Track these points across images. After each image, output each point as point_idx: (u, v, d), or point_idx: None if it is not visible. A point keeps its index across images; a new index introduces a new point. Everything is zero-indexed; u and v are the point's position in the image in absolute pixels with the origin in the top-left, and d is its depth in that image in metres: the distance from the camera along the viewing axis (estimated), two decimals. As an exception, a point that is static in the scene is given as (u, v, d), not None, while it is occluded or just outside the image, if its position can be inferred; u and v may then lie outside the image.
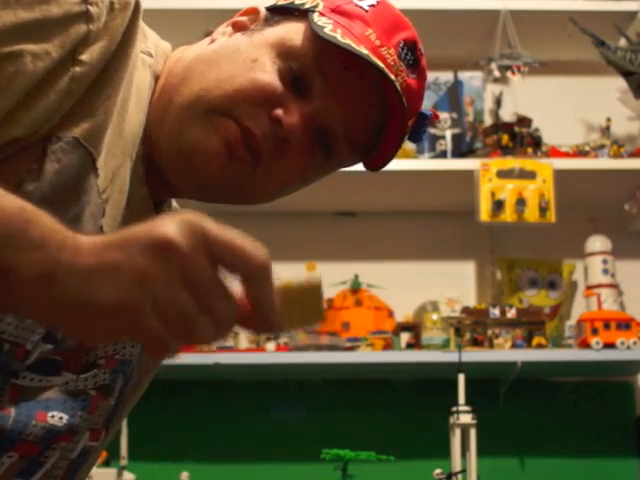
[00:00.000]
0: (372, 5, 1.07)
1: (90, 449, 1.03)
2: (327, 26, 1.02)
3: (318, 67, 1.03)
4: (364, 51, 1.01)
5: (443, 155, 2.76)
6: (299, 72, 1.03)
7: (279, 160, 1.03)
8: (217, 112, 1.01)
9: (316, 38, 1.02)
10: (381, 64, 1.02)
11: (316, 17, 1.04)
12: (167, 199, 1.14)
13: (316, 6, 1.06)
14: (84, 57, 0.92)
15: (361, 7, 1.06)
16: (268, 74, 1.03)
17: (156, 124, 1.04)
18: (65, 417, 0.98)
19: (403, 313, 2.86)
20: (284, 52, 1.04)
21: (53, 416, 0.97)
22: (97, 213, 0.96)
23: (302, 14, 1.06)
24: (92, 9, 0.92)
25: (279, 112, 1.01)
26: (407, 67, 1.07)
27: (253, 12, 1.10)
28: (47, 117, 0.91)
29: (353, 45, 1.01)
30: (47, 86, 0.90)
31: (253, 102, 1.01)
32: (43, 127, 0.91)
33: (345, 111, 1.04)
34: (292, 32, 1.05)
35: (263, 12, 1.10)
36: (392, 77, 1.02)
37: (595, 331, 2.66)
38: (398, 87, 1.03)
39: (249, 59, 1.03)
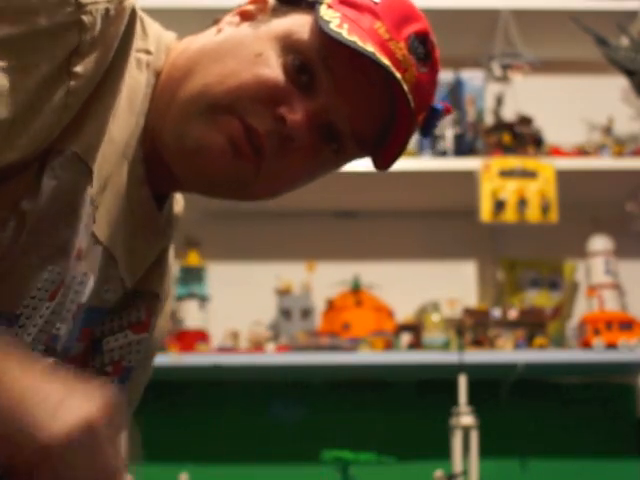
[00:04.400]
0: None
1: None
2: (334, 20, 1.00)
3: (324, 62, 1.01)
4: (370, 48, 0.98)
5: (444, 155, 2.75)
6: (304, 67, 1.01)
7: (283, 158, 1.01)
8: (220, 108, 0.99)
9: (322, 32, 1.00)
10: (387, 62, 0.99)
11: (323, 10, 1.01)
12: (171, 193, 1.12)
13: None
14: (79, 69, 0.89)
15: None
16: (272, 69, 1.00)
17: (159, 119, 1.02)
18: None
19: (404, 314, 2.85)
20: (289, 46, 1.01)
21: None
22: (89, 222, 0.95)
23: (310, 5, 1.03)
24: (86, 18, 0.88)
25: (283, 110, 0.99)
26: (418, 61, 1.04)
27: (261, 1, 1.08)
28: (45, 136, 0.88)
29: (359, 42, 0.98)
30: (41, 103, 0.87)
31: (257, 98, 0.99)
32: (42, 145, 0.88)
33: (351, 107, 1.02)
34: (298, 25, 1.03)
35: (271, 1, 1.07)
36: (398, 76, 1.00)
37: (597, 332, 2.65)
38: (405, 87, 1.01)
39: (253, 53, 1.01)
